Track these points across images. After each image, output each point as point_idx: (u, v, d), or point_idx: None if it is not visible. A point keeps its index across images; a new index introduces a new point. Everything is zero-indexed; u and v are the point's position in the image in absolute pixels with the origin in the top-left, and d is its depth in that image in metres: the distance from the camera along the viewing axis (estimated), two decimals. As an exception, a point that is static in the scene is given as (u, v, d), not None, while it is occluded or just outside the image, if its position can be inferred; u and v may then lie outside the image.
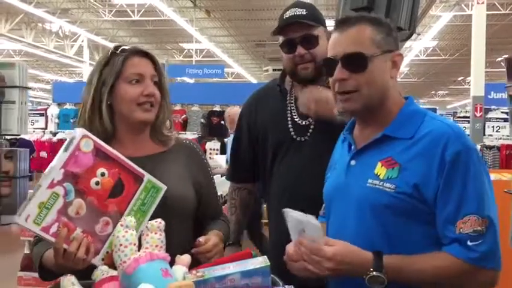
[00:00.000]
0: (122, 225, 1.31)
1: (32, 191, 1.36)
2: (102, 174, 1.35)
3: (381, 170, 1.33)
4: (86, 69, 20.43)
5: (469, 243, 1.23)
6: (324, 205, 1.56)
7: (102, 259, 1.36)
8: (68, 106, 10.23)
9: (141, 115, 1.54)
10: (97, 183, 1.35)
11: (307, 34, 1.86)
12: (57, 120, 10.22)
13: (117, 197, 1.37)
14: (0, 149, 1.46)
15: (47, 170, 1.34)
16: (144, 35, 20.44)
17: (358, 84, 1.33)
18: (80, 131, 1.35)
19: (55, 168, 1.29)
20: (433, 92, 35.17)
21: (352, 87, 1.34)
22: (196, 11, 15.25)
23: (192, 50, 20.42)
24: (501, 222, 1.32)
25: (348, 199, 1.39)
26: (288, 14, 1.90)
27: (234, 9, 15.94)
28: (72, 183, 1.32)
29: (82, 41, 19.21)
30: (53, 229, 1.30)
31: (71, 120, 9.80)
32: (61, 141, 7.74)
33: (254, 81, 25.33)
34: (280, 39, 1.92)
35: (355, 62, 1.32)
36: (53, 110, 10.34)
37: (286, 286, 1.23)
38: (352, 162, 1.42)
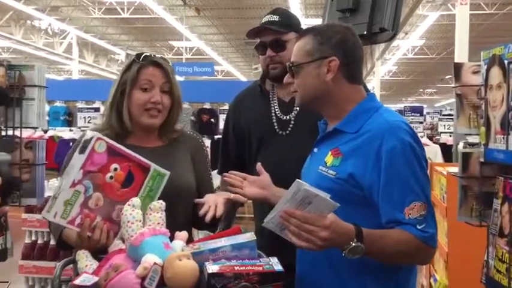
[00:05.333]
0: (129, 205, 1.51)
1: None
2: (115, 169, 1.55)
3: (329, 158, 1.55)
4: (74, 67, 20.40)
5: (418, 226, 1.43)
6: None
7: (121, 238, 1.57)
8: (58, 103, 10.26)
9: (146, 120, 1.74)
10: (111, 177, 1.54)
11: (275, 39, 2.10)
12: (47, 118, 10.27)
13: (129, 187, 1.57)
14: (21, 139, 1.64)
15: (66, 170, 1.53)
16: (134, 33, 20.42)
17: (296, 87, 1.61)
18: (93, 134, 1.53)
19: (75, 170, 1.49)
20: (421, 90, 35.47)
21: (293, 89, 1.63)
22: (186, 9, 15.30)
23: (182, 48, 20.48)
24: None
25: (307, 182, 1.57)
26: (264, 20, 2.14)
27: (224, 8, 16.02)
28: (90, 180, 1.52)
29: (71, 39, 19.14)
30: (78, 221, 1.51)
31: (61, 118, 9.82)
32: (51, 138, 7.80)
33: (244, 79, 25.37)
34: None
35: (292, 70, 1.59)
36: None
37: (270, 257, 1.40)
38: (315, 150, 1.66)
